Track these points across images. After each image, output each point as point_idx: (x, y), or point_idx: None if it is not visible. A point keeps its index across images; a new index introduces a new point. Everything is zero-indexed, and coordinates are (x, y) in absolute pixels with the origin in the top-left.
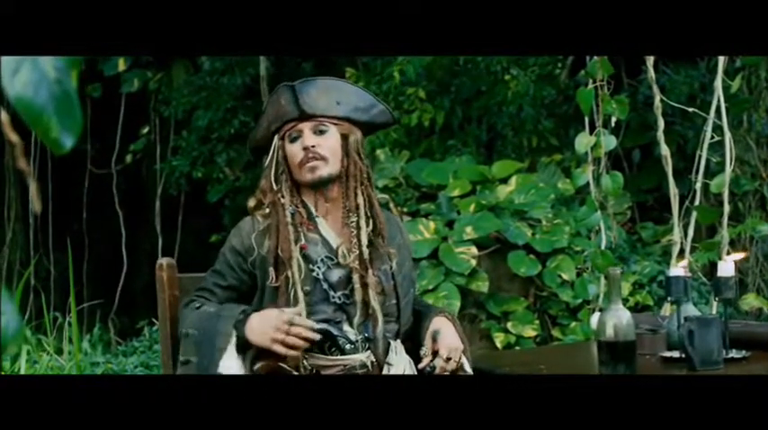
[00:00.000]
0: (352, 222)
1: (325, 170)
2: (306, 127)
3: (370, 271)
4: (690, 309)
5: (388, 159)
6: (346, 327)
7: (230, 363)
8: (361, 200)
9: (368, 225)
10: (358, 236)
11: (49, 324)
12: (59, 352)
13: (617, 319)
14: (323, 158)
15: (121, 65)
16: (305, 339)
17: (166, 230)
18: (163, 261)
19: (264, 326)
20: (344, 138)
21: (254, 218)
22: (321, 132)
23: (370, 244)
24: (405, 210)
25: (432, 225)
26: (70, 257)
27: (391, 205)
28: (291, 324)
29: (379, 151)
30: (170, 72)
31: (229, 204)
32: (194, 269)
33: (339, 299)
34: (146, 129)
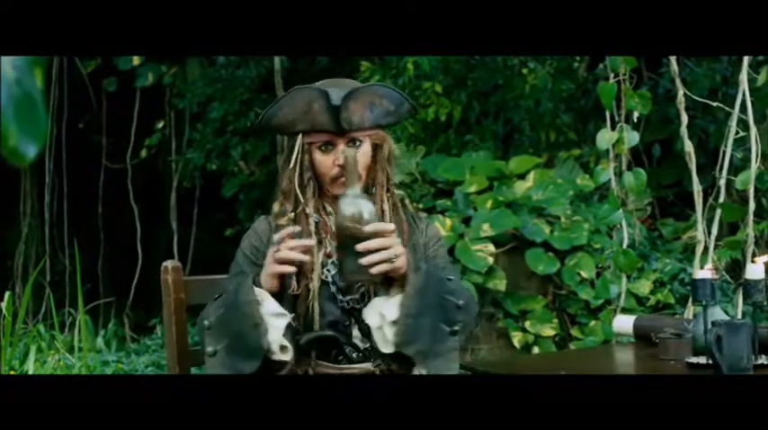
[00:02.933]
0: None
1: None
2: (340, 141)
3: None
4: (717, 313)
5: (403, 154)
6: (355, 332)
7: (271, 308)
8: (387, 206)
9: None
10: None
11: (57, 321)
12: (72, 349)
13: (355, 209)
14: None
15: (136, 59)
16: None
17: (182, 224)
18: (168, 263)
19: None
20: (376, 147)
21: (267, 218)
22: (355, 146)
23: None
24: (420, 206)
25: (448, 222)
26: (77, 256)
27: (407, 201)
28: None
29: (394, 146)
30: (184, 66)
31: (244, 199)
32: (210, 262)
33: (348, 304)
34: (161, 124)
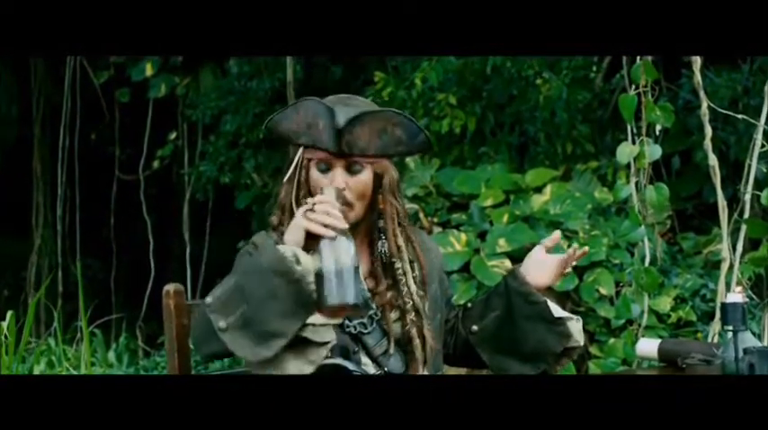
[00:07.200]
0: (397, 268)
1: (350, 217)
2: (339, 164)
3: (425, 321)
4: (748, 338)
5: (417, 167)
6: (364, 359)
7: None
8: (401, 241)
9: (413, 270)
10: (407, 282)
11: (61, 337)
12: (83, 364)
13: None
14: (349, 205)
15: (149, 70)
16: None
17: (195, 237)
18: (170, 287)
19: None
20: (378, 177)
21: (268, 233)
22: (354, 172)
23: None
24: (435, 220)
25: (463, 237)
26: (80, 270)
27: (421, 215)
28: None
29: (408, 159)
30: (197, 77)
31: (257, 211)
32: (223, 275)
33: (354, 328)
34: (173, 135)
